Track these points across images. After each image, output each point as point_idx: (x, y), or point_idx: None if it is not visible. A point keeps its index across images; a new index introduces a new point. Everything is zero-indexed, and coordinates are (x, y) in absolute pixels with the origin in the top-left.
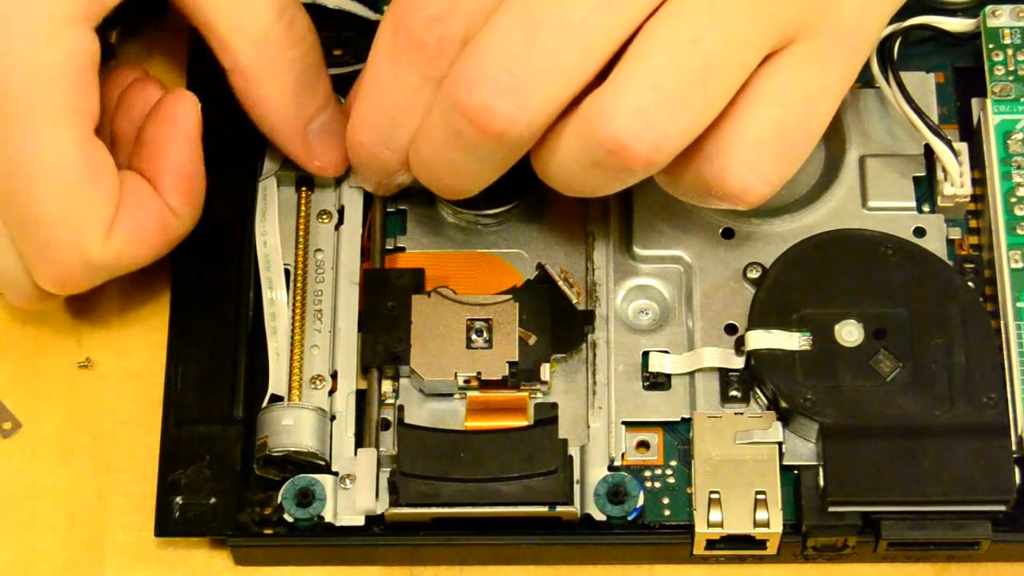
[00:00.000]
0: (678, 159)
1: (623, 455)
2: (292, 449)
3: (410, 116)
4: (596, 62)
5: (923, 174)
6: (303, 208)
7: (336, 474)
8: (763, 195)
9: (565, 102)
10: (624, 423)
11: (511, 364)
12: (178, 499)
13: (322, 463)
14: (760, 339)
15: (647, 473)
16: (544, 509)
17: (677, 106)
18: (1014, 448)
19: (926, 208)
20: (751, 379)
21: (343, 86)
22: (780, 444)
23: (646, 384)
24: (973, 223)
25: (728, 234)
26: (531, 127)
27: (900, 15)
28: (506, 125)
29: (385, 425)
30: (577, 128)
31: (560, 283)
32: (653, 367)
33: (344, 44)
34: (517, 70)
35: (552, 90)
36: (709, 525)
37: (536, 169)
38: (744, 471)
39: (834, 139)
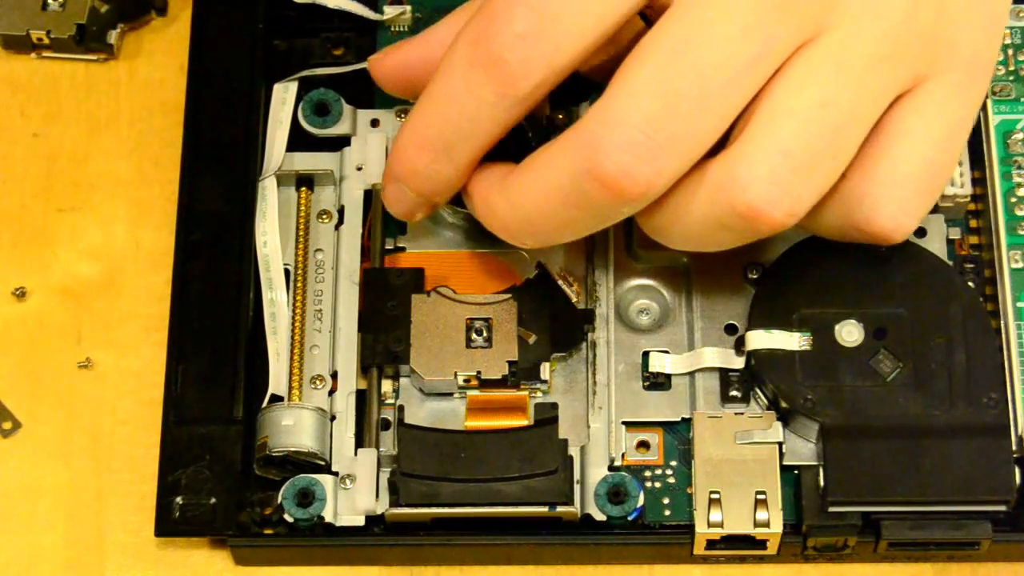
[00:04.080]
0: (816, 205)
1: (623, 455)
2: (292, 449)
3: (478, 130)
4: (727, 125)
5: None
6: (303, 208)
7: (336, 474)
8: (911, 231)
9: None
10: (624, 423)
11: (511, 363)
12: (178, 499)
13: (322, 463)
14: (760, 339)
15: (647, 473)
16: (544, 509)
17: (810, 170)
18: (1014, 448)
19: None
20: (751, 379)
21: (343, 86)
22: (780, 444)
23: (646, 384)
24: (973, 223)
25: None
26: (662, 190)
27: None
28: (644, 189)
29: (385, 425)
30: (707, 193)
31: (560, 282)
32: (653, 367)
33: (344, 44)
34: (658, 136)
35: (689, 155)
36: (709, 525)
37: (646, 225)
38: (744, 471)
39: None
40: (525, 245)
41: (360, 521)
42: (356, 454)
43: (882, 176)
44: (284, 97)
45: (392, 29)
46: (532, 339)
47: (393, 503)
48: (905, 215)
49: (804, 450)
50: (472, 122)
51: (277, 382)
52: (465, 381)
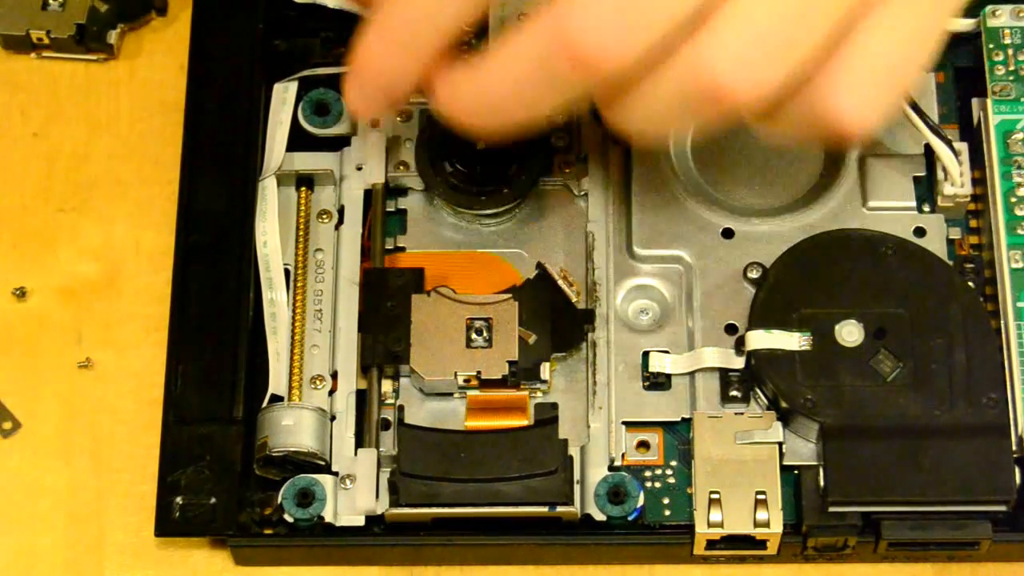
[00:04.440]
0: (780, 99)
1: (623, 455)
2: (292, 449)
3: (439, 22)
4: (698, 3)
5: (923, 174)
6: (303, 208)
7: (336, 474)
8: (873, 126)
9: (664, 41)
10: (624, 423)
11: (511, 363)
12: (178, 499)
13: (322, 463)
14: (760, 339)
15: (647, 473)
16: (544, 509)
17: (777, 48)
18: (1014, 448)
19: (926, 208)
20: (751, 379)
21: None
22: (780, 444)
23: (646, 384)
24: (973, 223)
25: (728, 234)
26: (632, 65)
27: None
28: (615, 64)
29: (385, 425)
30: (674, 73)
31: (560, 282)
32: (653, 367)
33: (344, 44)
34: (630, 11)
35: (660, 30)
36: (709, 525)
37: (608, 109)
38: (744, 471)
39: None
40: (484, 128)
41: (360, 521)
42: (356, 454)
43: (847, 69)
44: (284, 97)
45: None
46: (532, 339)
47: (393, 503)
48: (869, 108)
49: (804, 450)
50: (433, 16)
51: (277, 382)
52: (465, 381)
